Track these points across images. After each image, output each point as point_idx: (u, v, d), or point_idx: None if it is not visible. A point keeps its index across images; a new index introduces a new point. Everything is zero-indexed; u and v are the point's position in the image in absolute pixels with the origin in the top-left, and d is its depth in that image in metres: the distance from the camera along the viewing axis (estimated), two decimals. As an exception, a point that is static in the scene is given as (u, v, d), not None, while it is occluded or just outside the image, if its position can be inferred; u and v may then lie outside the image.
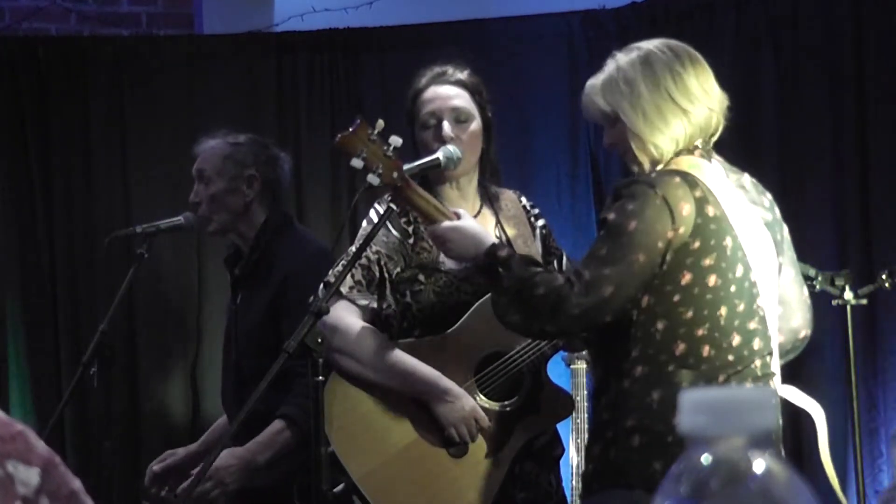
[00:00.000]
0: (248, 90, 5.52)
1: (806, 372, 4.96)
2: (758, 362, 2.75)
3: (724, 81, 5.36)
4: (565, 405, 3.31)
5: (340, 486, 3.02)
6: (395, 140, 2.90)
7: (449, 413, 3.07)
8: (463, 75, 3.28)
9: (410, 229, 3.21)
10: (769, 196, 2.93)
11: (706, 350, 2.69)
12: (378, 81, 5.47)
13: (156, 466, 3.80)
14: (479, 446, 3.13)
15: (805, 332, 2.99)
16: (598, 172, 5.41)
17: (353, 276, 3.16)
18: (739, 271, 2.72)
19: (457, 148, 3.14)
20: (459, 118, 3.22)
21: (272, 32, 5.63)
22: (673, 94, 2.76)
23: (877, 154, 4.86)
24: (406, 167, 3.02)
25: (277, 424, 3.54)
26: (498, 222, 3.31)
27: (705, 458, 0.89)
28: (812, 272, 4.50)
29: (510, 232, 3.30)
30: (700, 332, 2.69)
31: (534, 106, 5.40)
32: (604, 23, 5.37)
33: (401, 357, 3.12)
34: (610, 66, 2.83)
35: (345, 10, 5.51)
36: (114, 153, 5.41)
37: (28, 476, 1.54)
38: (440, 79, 3.26)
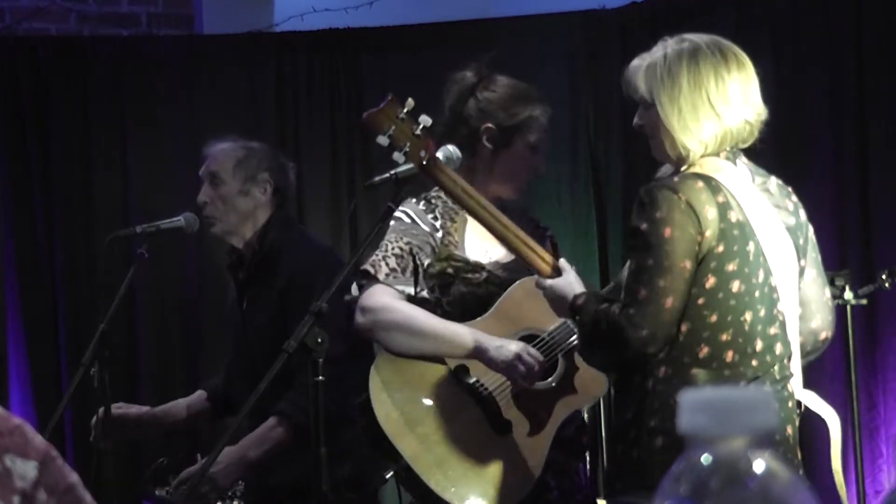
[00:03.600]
0: (248, 90, 5.51)
1: (806, 372, 4.96)
2: (777, 367, 2.76)
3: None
4: (599, 383, 3.34)
5: (390, 474, 3.06)
6: (425, 119, 2.89)
7: (503, 356, 3.09)
8: None
9: (438, 224, 3.26)
10: (794, 199, 2.90)
11: (730, 355, 2.70)
12: (378, 81, 5.46)
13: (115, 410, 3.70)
14: (522, 425, 3.17)
15: (826, 333, 2.98)
16: (598, 173, 5.40)
17: (387, 264, 3.21)
18: (761, 276, 2.73)
19: (457, 148, 3.14)
20: None
21: (272, 32, 5.63)
22: (712, 96, 2.73)
23: (877, 154, 4.86)
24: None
25: (271, 421, 3.56)
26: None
27: (705, 458, 0.89)
28: (812, 272, 4.50)
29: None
30: (724, 336, 2.69)
31: (534, 106, 5.39)
32: (604, 22, 5.37)
33: (447, 323, 3.16)
34: (658, 52, 2.79)
35: (345, 10, 5.51)
36: (114, 153, 5.41)
37: (26, 470, 1.54)
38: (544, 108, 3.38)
